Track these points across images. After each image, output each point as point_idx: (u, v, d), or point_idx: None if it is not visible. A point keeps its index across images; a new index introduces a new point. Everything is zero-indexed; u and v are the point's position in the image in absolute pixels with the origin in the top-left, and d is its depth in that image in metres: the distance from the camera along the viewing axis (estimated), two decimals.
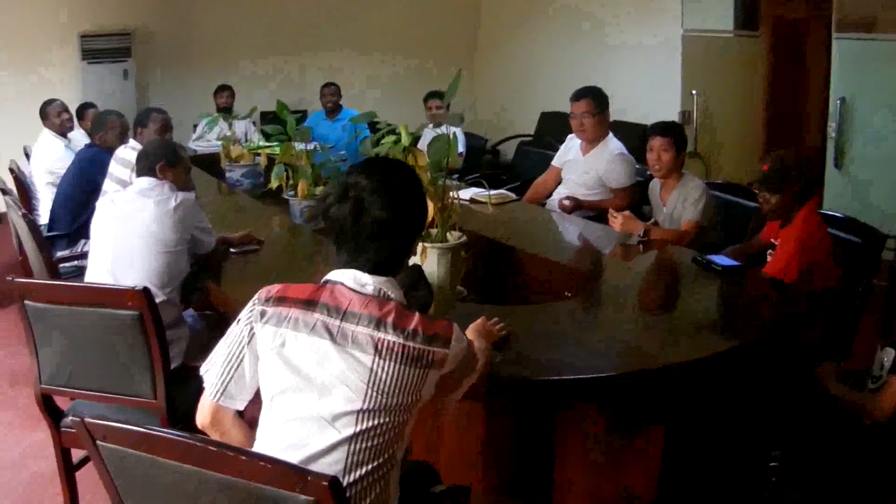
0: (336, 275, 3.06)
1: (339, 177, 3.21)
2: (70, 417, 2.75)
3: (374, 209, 3.00)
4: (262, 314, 3.02)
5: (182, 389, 4.39)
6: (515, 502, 4.41)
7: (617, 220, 6.10)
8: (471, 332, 3.64)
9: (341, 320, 2.92)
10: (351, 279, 3.02)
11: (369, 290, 3.00)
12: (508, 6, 14.61)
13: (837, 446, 4.25)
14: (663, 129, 6.51)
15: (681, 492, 4.51)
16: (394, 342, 2.87)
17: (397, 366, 2.87)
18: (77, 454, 4.86)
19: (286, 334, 2.96)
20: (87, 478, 4.93)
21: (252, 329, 3.04)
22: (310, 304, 2.98)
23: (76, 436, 4.52)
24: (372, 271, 3.04)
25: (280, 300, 3.02)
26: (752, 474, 4.46)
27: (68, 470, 4.80)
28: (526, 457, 4.32)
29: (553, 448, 4.28)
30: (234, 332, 3.11)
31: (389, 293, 3.03)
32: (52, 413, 4.68)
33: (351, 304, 2.94)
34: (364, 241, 3.04)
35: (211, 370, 3.15)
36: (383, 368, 2.86)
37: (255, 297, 3.09)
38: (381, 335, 2.88)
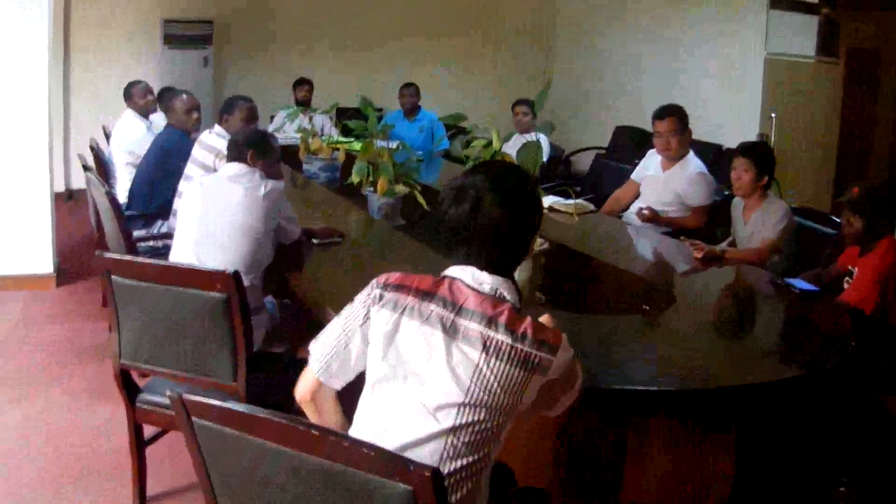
0: (455, 271, 3.09)
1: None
2: (167, 394, 2.75)
3: (493, 208, 3.03)
4: (380, 297, 3.06)
5: (259, 375, 4.44)
6: None
7: (698, 250, 6.08)
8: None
9: (456, 315, 2.95)
10: (470, 276, 3.05)
11: (486, 288, 3.03)
12: (588, 18, 14.59)
13: None
14: (745, 149, 6.52)
15: None
16: (503, 342, 2.90)
17: (503, 365, 2.89)
18: (148, 432, 4.93)
19: (400, 321, 3.00)
20: (155, 455, 5.02)
21: (368, 312, 3.08)
22: (428, 295, 3.01)
23: (151, 412, 4.63)
24: (490, 270, 3.07)
25: (399, 287, 3.05)
26: (819, 499, 4.45)
27: (139, 445, 4.85)
28: (596, 464, 4.33)
29: (622, 458, 4.29)
30: (349, 312, 3.15)
31: (505, 294, 3.05)
32: (128, 389, 4.74)
33: (467, 301, 2.98)
34: (482, 239, 3.06)
35: (319, 346, 3.19)
36: (489, 366, 2.88)
37: (374, 280, 3.12)
38: (492, 334, 2.90)
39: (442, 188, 3.20)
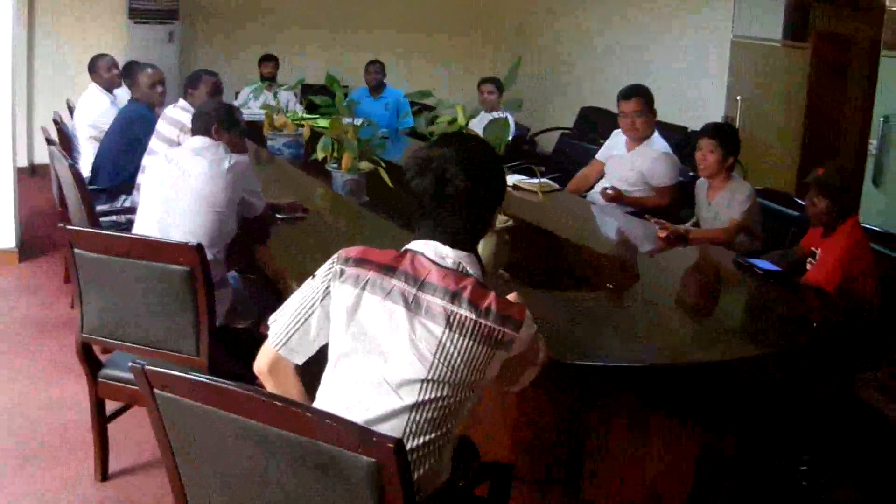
0: (417, 245, 3.08)
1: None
2: (130, 365, 2.74)
3: (456, 180, 3.02)
4: (341, 272, 3.05)
5: (223, 350, 4.44)
6: (545, 485, 4.43)
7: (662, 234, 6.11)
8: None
9: (418, 289, 2.94)
10: (432, 251, 3.05)
11: (449, 262, 3.02)
12: (555, 0, 14.59)
13: (870, 453, 4.27)
14: (711, 130, 6.55)
15: (714, 490, 4.53)
16: (466, 317, 2.89)
17: (466, 341, 2.88)
18: (110, 407, 4.92)
19: (362, 296, 2.99)
20: (118, 431, 5.01)
21: (328, 287, 3.07)
22: (389, 269, 3.00)
23: (113, 387, 4.63)
24: (452, 244, 3.06)
25: (360, 261, 3.04)
26: (783, 477, 4.47)
27: (101, 420, 4.85)
28: (559, 439, 4.34)
29: (586, 433, 4.31)
30: (309, 287, 3.14)
31: (468, 268, 3.05)
32: (91, 363, 4.72)
33: (429, 276, 2.97)
34: (445, 212, 3.06)
35: (279, 320, 3.18)
36: (452, 341, 2.88)
37: (335, 255, 3.12)
38: (455, 309, 2.90)
39: (405, 160, 3.20)
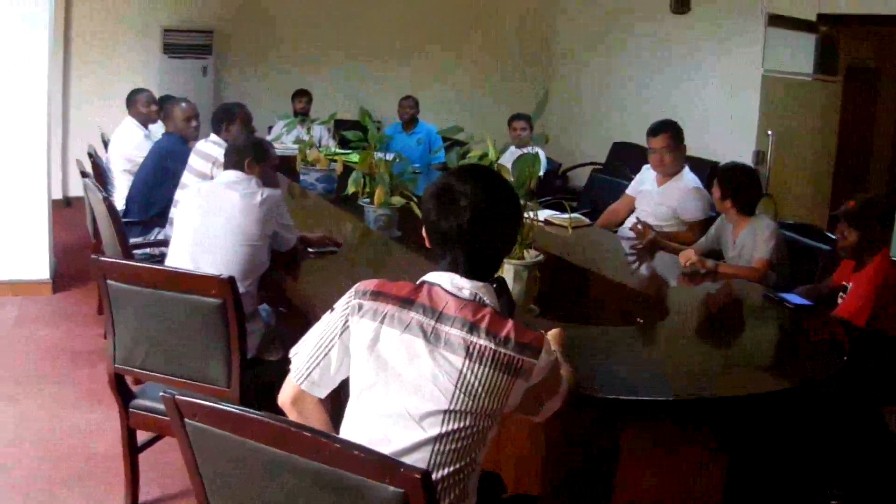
0: (433, 276, 3.10)
1: (428, 186, 3.25)
2: (161, 394, 2.77)
3: (474, 213, 3.05)
4: (360, 307, 3.06)
5: (254, 381, 4.47)
6: None
7: (687, 254, 6.14)
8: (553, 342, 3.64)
9: (436, 321, 2.96)
10: (448, 282, 3.06)
11: (466, 294, 3.04)
12: (586, 34, 14.61)
13: None
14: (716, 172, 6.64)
15: None
16: (485, 346, 2.91)
17: (486, 370, 2.90)
18: (140, 437, 4.94)
19: (381, 329, 3.00)
20: (149, 461, 5.03)
21: (347, 321, 3.09)
22: (407, 302, 3.02)
23: (143, 417, 4.66)
24: (469, 275, 3.08)
25: (377, 295, 3.06)
26: None
27: (132, 450, 4.87)
28: (587, 472, 4.35)
29: (614, 467, 4.31)
30: (328, 321, 3.16)
31: (485, 299, 3.07)
32: (122, 393, 4.75)
33: (447, 307, 2.99)
34: (467, 245, 3.08)
35: (300, 354, 3.20)
36: (472, 371, 2.89)
37: (353, 289, 3.13)
38: (474, 339, 2.92)
39: (424, 196, 3.22)
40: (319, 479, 2.52)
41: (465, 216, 3.05)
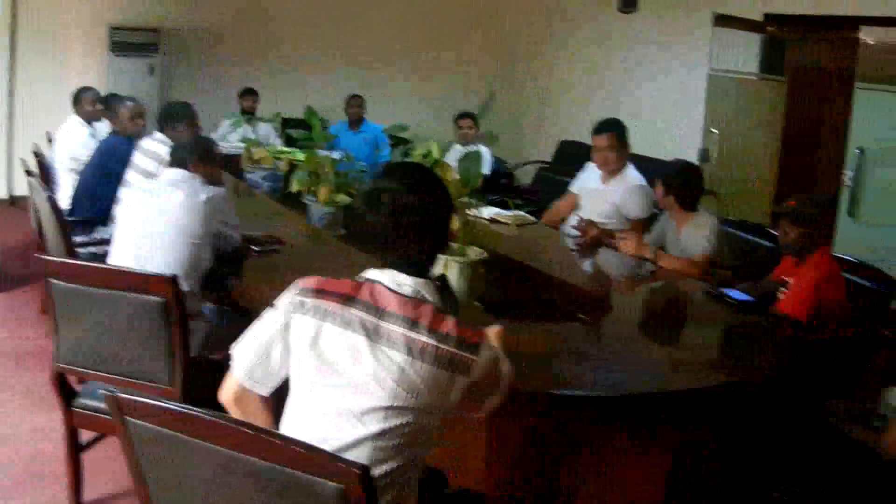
0: (375, 274, 3.12)
1: (361, 185, 3.27)
2: (101, 392, 2.77)
3: (408, 210, 3.08)
4: (301, 304, 3.07)
5: (197, 380, 4.46)
6: None
7: (628, 243, 6.21)
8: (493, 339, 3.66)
9: (378, 319, 2.98)
10: (390, 279, 3.07)
11: (407, 290, 3.05)
12: (533, 35, 14.63)
13: (842, 479, 4.30)
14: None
15: None
16: (426, 343, 2.93)
17: (427, 367, 2.92)
18: (87, 437, 4.92)
19: (322, 326, 3.01)
20: (92, 461, 5.00)
21: (289, 319, 3.09)
22: (349, 299, 3.03)
23: (86, 416, 4.64)
24: (409, 272, 3.10)
25: (319, 292, 3.07)
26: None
27: (75, 451, 4.84)
28: (532, 467, 4.37)
29: (558, 462, 4.33)
30: (270, 319, 3.16)
31: (427, 296, 3.08)
32: (65, 393, 4.73)
33: (388, 305, 3.00)
34: (401, 241, 3.11)
35: (241, 351, 3.20)
36: (413, 368, 2.91)
37: (294, 286, 3.14)
38: (415, 336, 2.93)
39: (354, 196, 3.25)
40: (261, 476, 2.52)
41: (387, 213, 3.08)
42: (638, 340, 4.98)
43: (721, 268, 6.27)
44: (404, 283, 3.07)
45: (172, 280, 4.27)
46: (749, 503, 4.52)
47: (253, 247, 5.80)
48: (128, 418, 2.72)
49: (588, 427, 4.27)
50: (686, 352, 4.89)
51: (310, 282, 3.13)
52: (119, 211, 5.38)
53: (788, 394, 4.61)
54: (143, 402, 2.68)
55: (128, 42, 12.82)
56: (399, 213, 3.07)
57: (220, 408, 3.23)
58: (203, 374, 4.58)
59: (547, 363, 4.23)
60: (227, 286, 5.46)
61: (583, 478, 4.35)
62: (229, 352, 3.26)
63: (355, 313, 3.00)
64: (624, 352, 4.69)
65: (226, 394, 3.24)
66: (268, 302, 3.22)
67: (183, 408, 2.63)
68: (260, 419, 3.20)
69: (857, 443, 4.39)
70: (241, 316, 5.10)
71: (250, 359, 3.16)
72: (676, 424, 4.30)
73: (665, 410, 4.11)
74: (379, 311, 2.99)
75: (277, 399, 3.21)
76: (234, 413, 3.23)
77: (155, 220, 5.11)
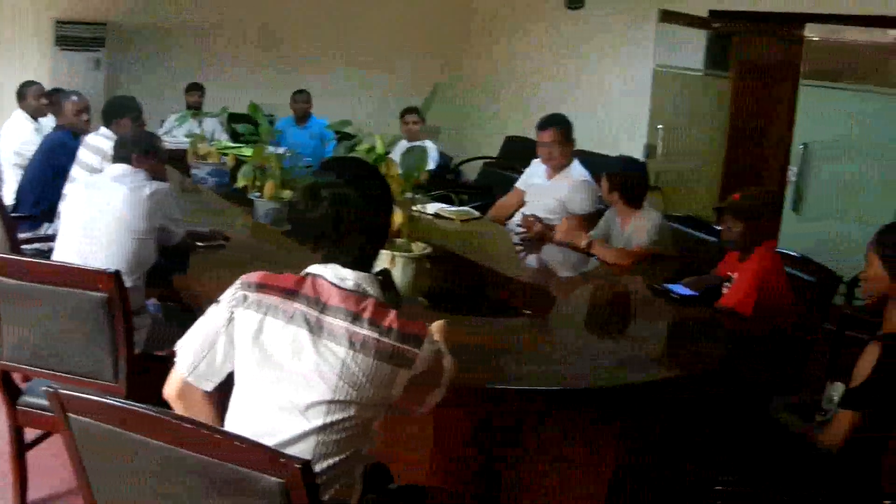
0: (316, 268, 3.13)
1: (305, 180, 3.28)
2: (43, 389, 2.76)
3: (349, 205, 3.10)
4: (245, 298, 3.07)
5: (142, 376, 4.44)
6: None
7: (561, 227, 6.27)
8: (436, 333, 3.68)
9: (320, 312, 2.99)
10: (331, 273, 3.08)
11: (349, 284, 3.07)
12: (480, 32, 14.66)
13: (786, 473, 4.33)
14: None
15: None
16: (368, 336, 2.94)
17: (369, 360, 2.93)
18: (32, 435, 4.90)
19: (265, 321, 3.02)
20: (37, 460, 4.97)
21: (232, 313, 3.09)
22: (291, 293, 3.04)
23: (31, 414, 4.60)
24: (351, 266, 3.11)
25: (262, 286, 3.08)
26: (699, 498, 4.53)
27: (20, 449, 4.81)
28: (477, 462, 4.38)
29: (504, 457, 4.35)
30: (214, 313, 3.16)
31: (369, 289, 3.10)
32: (9, 391, 4.71)
33: (330, 298, 3.01)
34: (342, 236, 3.12)
35: (186, 346, 3.19)
36: (356, 361, 2.92)
37: (238, 281, 3.15)
38: (357, 329, 2.95)
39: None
40: (203, 471, 2.52)
41: (326, 207, 3.09)
42: (581, 335, 5.01)
43: (663, 262, 6.30)
44: (346, 277, 3.08)
45: (116, 276, 4.25)
46: (692, 496, 4.54)
47: (198, 242, 5.78)
48: (70, 415, 2.71)
49: (532, 421, 4.30)
50: (629, 346, 4.92)
51: (252, 276, 3.14)
52: (63, 207, 5.35)
53: (732, 388, 4.65)
54: (84, 399, 2.68)
55: (73, 36, 12.72)
56: (338, 206, 3.09)
57: (166, 404, 3.23)
58: (148, 371, 4.58)
59: (490, 357, 4.24)
60: (171, 282, 5.44)
61: (527, 472, 4.38)
62: (174, 348, 3.26)
63: (298, 307, 3.01)
64: (567, 346, 4.72)
65: (169, 389, 3.24)
66: (213, 297, 3.22)
67: (123, 403, 2.63)
68: (203, 414, 3.19)
69: (798, 436, 4.42)
70: (185, 312, 5.09)
71: (194, 353, 3.16)
72: (620, 418, 4.33)
73: (609, 405, 4.13)
74: (321, 305, 3.00)
75: (222, 394, 3.21)
76: (178, 408, 3.22)
77: (98, 216, 5.08)
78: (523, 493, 4.40)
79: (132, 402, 2.63)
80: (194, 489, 2.57)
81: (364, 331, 2.95)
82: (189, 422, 2.58)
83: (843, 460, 4.06)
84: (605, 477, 4.42)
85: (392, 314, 3.02)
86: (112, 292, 4.25)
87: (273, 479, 2.42)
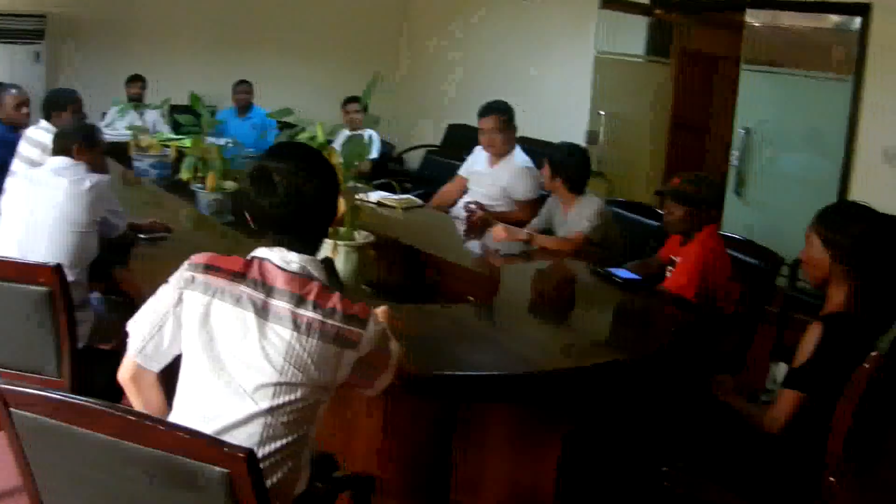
0: (263, 252, 3.14)
1: (252, 167, 3.28)
2: None
3: (300, 189, 3.11)
4: (192, 280, 3.10)
5: (86, 371, 4.42)
6: (414, 497, 4.47)
7: (497, 230, 6.30)
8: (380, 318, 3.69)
9: (266, 295, 3.01)
10: (277, 257, 3.10)
11: (294, 267, 3.09)
12: (420, 20, 14.66)
13: (731, 455, 4.36)
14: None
15: (579, 496, 4.60)
16: (313, 318, 2.97)
17: (315, 342, 2.96)
18: None
19: (212, 303, 3.04)
20: None
21: (181, 294, 3.11)
22: (238, 276, 3.06)
23: None
24: (298, 249, 3.13)
25: (209, 268, 3.10)
26: (646, 481, 4.56)
27: None
28: (425, 450, 4.39)
29: (452, 444, 4.36)
30: (163, 294, 3.18)
31: (313, 272, 3.12)
32: None
33: (276, 281, 3.04)
34: (290, 220, 3.14)
35: (135, 327, 3.21)
36: (301, 344, 2.95)
37: (186, 262, 3.16)
38: (302, 311, 2.98)
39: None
40: (146, 463, 2.53)
41: (280, 192, 3.10)
42: (526, 321, 5.02)
43: (602, 248, 6.32)
44: (292, 260, 3.10)
45: (57, 269, 4.23)
46: (639, 479, 4.57)
47: (140, 234, 5.75)
48: (13, 410, 2.70)
49: (478, 408, 4.31)
50: (574, 331, 4.95)
51: (200, 258, 3.15)
52: (3, 201, 5.30)
53: (676, 370, 4.68)
54: (26, 393, 2.67)
55: (12, 28, 12.59)
56: (293, 193, 3.11)
57: (112, 397, 3.22)
58: (92, 365, 4.57)
59: (435, 344, 4.25)
60: (113, 275, 5.41)
61: (474, 459, 4.39)
62: (119, 342, 3.27)
63: (244, 290, 3.03)
64: (512, 332, 4.73)
65: (122, 372, 3.26)
66: (156, 289, 3.22)
67: (65, 396, 2.63)
68: (155, 397, 3.24)
69: (742, 417, 4.45)
70: (128, 305, 5.07)
71: (143, 335, 3.18)
72: (566, 403, 4.35)
73: (554, 390, 4.15)
74: (267, 288, 3.03)
75: (170, 376, 3.21)
76: (130, 391, 3.25)
77: (39, 209, 5.04)
78: (472, 481, 4.42)
79: (74, 396, 2.62)
80: (139, 481, 2.57)
81: (309, 313, 2.98)
82: (132, 413, 2.58)
83: (787, 441, 4.08)
84: (553, 462, 4.44)
85: (336, 296, 3.05)
86: (54, 286, 4.23)
87: (217, 468, 2.43)
